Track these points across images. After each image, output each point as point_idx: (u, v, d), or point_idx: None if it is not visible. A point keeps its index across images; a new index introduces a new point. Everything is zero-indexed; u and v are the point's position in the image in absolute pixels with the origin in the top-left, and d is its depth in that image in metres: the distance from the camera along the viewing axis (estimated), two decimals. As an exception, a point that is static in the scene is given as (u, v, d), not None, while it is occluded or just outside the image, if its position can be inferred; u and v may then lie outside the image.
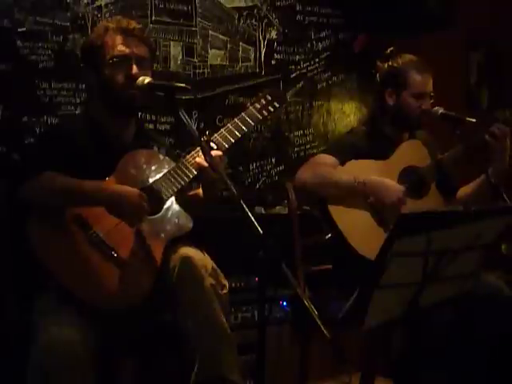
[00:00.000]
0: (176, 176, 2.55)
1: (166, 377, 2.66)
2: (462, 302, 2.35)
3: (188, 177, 2.55)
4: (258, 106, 2.70)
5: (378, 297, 2.01)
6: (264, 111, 2.70)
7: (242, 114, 2.67)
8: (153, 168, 2.59)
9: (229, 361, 2.40)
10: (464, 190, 3.09)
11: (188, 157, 2.56)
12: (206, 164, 2.40)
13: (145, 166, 2.58)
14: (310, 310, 1.83)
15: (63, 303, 2.31)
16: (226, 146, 2.60)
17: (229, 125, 2.64)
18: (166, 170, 2.57)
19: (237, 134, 2.63)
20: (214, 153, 2.43)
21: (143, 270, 2.43)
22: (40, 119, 3.41)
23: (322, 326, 1.79)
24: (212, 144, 2.55)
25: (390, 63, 2.99)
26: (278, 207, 4.00)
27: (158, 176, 2.56)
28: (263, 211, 3.94)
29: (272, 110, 2.72)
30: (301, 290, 1.93)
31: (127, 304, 2.37)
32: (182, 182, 2.55)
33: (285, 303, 3.45)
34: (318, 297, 2.80)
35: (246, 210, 1.95)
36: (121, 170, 2.53)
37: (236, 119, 2.66)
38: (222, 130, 2.62)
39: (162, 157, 2.65)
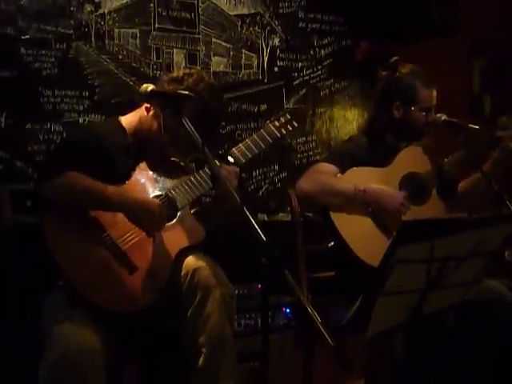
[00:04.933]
0: (192, 186, 2.59)
1: (167, 383, 2.66)
2: (465, 307, 2.34)
3: (203, 187, 2.59)
4: (278, 123, 2.77)
5: (381, 304, 2.01)
6: (283, 129, 2.78)
7: (262, 130, 2.75)
8: (171, 177, 2.62)
9: (226, 368, 2.44)
10: (461, 186, 3.09)
11: (205, 168, 2.59)
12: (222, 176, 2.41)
13: (163, 174, 2.61)
14: (313, 318, 1.82)
15: (74, 305, 2.33)
16: (243, 160, 2.66)
17: (247, 140, 2.70)
18: (182, 179, 2.59)
19: (254, 149, 2.69)
20: (229, 167, 2.51)
21: (154, 276, 2.45)
22: (43, 126, 3.43)
23: (325, 334, 1.79)
24: (230, 158, 2.59)
25: (396, 75, 2.97)
26: (280, 214, 4.01)
27: (175, 184, 2.58)
28: (266, 218, 3.94)
29: (291, 129, 2.79)
30: (304, 297, 1.93)
31: (135, 309, 2.39)
32: (197, 192, 2.59)
33: (288, 310, 3.45)
34: (321, 304, 2.79)
35: (250, 217, 1.96)
36: (139, 174, 2.56)
37: (255, 136, 2.73)
38: (241, 144, 2.69)
39: (181, 167, 2.69)
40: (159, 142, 2.58)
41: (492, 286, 2.74)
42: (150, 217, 2.45)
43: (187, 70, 2.70)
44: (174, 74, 2.66)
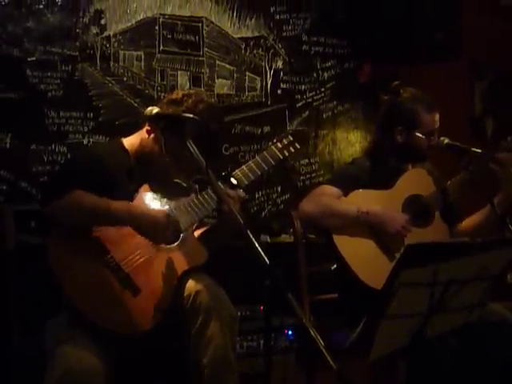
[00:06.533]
0: (195, 207, 2.59)
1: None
2: (467, 329, 2.34)
3: (206, 209, 2.60)
4: (280, 145, 2.77)
5: (384, 327, 2.01)
6: (285, 151, 2.77)
7: (264, 152, 2.74)
8: (174, 198, 2.63)
9: None
10: (469, 221, 3.08)
11: (208, 190, 2.60)
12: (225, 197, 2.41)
13: (165, 195, 2.62)
14: (316, 340, 1.82)
15: (76, 326, 2.33)
16: (246, 182, 2.65)
17: (250, 162, 2.70)
18: (185, 201, 2.60)
19: (257, 171, 2.69)
20: (232, 192, 2.51)
21: (157, 298, 2.45)
22: (48, 147, 3.45)
23: (328, 356, 1.79)
24: (232, 179, 2.59)
25: (398, 99, 2.99)
26: (283, 236, 4.01)
27: (177, 206, 2.59)
28: (269, 239, 3.94)
29: (293, 150, 2.79)
30: (306, 319, 1.93)
31: (138, 331, 2.39)
32: (200, 214, 2.60)
33: (290, 332, 3.44)
34: (323, 326, 2.79)
35: (253, 240, 1.96)
36: (142, 196, 2.57)
37: (258, 157, 2.72)
38: (244, 166, 2.68)
39: (183, 188, 2.70)
40: (161, 164, 2.59)
41: (494, 309, 2.74)
42: (156, 227, 2.44)
43: (186, 91, 2.70)
44: (173, 96, 2.66)
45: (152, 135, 2.60)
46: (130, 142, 2.68)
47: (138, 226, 2.44)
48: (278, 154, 2.75)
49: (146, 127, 2.62)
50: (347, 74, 4.57)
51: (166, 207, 2.59)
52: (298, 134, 2.87)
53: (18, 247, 2.75)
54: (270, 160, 2.73)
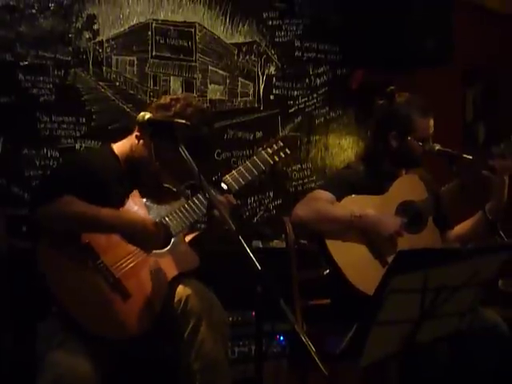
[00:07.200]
0: (185, 212, 2.59)
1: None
2: (458, 335, 2.35)
3: (197, 214, 2.60)
4: (270, 151, 2.77)
5: (375, 333, 2.01)
6: (276, 156, 2.78)
7: (254, 157, 2.75)
8: (164, 203, 2.63)
9: None
10: (461, 227, 3.09)
11: (198, 195, 2.60)
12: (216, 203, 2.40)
13: (155, 201, 2.62)
14: (307, 346, 1.83)
15: (67, 330, 2.32)
16: (236, 187, 2.66)
17: (240, 167, 2.70)
18: (176, 206, 2.60)
19: (247, 176, 2.70)
20: (224, 197, 2.52)
21: (147, 303, 2.45)
22: (40, 152, 3.45)
23: (319, 363, 1.79)
24: (223, 185, 2.60)
25: (393, 104, 2.99)
26: (275, 241, 4.01)
27: (168, 211, 2.59)
28: (261, 245, 3.94)
29: (283, 155, 2.80)
30: (298, 325, 1.93)
31: (129, 335, 2.39)
32: (191, 219, 2.60)
33: (282, 338, 3.44)
34: (315, 331, 2.79)
35: (245, 246, 1.96)
36: (132, 202, 2.57)
37: (248, 162, 2.73)
38: (234, 171, 2.69)
39: (173, 193, 2.70)
40: (151, 169, 2.59)
41: (486, 315, 2.74)
42: (146, 235, 2.45)
43: (174, 96, 2.70)
44: (162, 101, 2.66)
45: (141, 141, 2.60)
46: (119, 147, 2.68)
47: (127, 233, 2.44)
48: (268, 159, 2.76)
49: (136, 132, 2.62)
50: (339, 80, 4.59)
51: (156, 212, 2.59)
52: (288, 139, 2.88)
53: (9, 251, 2.74)
54: (261, 165, 2.74)
